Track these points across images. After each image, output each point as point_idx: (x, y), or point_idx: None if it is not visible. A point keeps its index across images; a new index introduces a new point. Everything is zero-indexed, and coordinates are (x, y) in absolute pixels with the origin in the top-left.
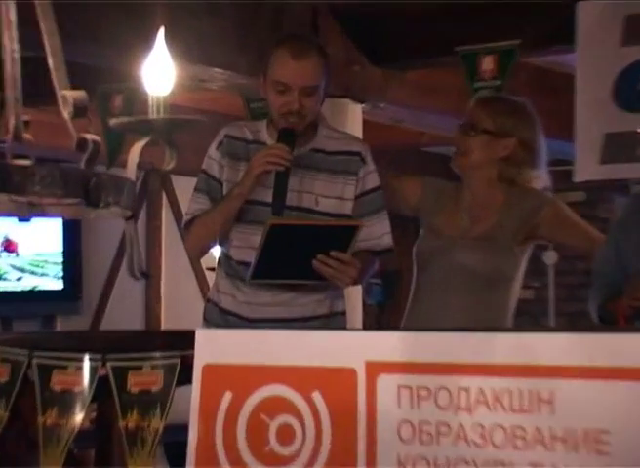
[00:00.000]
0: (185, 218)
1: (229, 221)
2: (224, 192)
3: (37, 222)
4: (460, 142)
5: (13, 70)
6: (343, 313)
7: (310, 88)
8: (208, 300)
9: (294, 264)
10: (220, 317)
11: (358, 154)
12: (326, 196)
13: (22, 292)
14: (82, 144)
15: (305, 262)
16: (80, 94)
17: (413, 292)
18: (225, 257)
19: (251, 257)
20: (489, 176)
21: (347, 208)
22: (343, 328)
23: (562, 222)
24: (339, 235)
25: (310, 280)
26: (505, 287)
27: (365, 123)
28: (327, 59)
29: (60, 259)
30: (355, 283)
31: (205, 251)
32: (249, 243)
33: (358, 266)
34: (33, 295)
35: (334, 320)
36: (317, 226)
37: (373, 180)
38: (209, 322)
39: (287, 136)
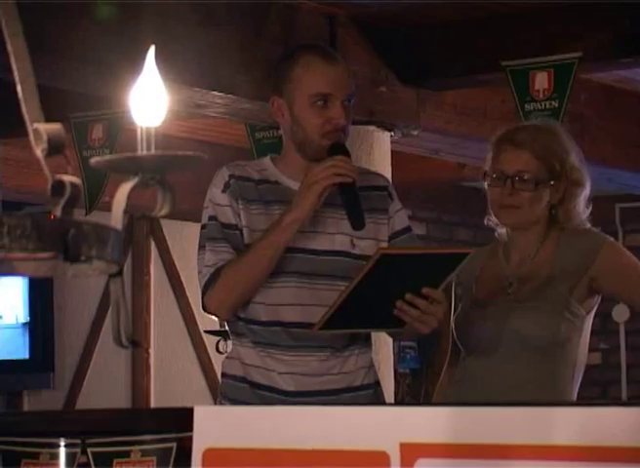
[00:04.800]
0: (206, 272)
1: (275, 261)
2: (247, 240)
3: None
4: (502, 197)
5: None
6: (379, 383)
7: (351, 97)
8: (224, 375)
9: (376, 306)
10: (250, 394)
11: (385, 189)
12: (361, 237)
13: None
14: (58, 188)
15: (389, 303)
16: (56, 127)
17: (450, 363)
18: (246, 322)
19: (289, 315)
20: (540, 229)
21: None
22: (374, 402)
23: (622, 273)
24: (438, 267)
25: (389, 327)
26: (565, 353)
27: (394, 154)
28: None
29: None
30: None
31: (237, 307)
32: (287, 299)
33: (445, 306)
34: None
35: (379, 391)
36: (428, 255)
37: (402, 220)
38: (235, 402)
39: (340, 152)
